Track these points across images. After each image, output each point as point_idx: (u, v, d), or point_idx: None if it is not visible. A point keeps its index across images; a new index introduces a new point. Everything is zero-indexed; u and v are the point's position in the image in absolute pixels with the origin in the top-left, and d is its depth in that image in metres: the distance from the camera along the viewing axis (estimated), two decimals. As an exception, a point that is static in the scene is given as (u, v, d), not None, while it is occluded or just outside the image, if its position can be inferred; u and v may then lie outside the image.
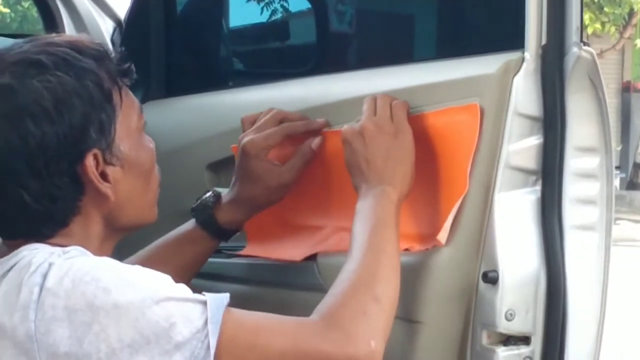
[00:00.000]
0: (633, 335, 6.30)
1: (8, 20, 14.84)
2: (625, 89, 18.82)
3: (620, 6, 14.78)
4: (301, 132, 1.76)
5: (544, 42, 1.53)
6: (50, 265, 1.28)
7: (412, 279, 1.55)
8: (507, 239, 1.53)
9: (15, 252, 1.33)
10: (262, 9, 2.40)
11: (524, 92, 1.53)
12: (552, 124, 1.54)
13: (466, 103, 1.56)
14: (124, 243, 1.55)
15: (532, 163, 1.55)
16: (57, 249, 1.32)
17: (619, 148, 16.62)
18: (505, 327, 1.52)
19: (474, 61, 1.62)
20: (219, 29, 2.48)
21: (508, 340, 1.54)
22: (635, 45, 16.07)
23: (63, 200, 1.35)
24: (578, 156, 1.55)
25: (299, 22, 2.41)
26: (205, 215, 1.74)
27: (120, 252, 1.49)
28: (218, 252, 1.88)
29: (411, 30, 2.13)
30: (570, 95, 1.54)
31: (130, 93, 1.44)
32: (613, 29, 15.14)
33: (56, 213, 1.36)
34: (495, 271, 1.52)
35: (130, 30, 2.37)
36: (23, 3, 14.71)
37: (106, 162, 1.38)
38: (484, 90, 1.55)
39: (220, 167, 2.00)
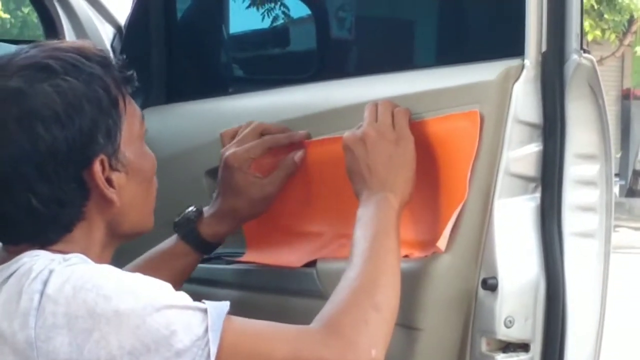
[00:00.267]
0: (632, 343, 6.30)
1: (8, 25, 14.86)
2: (625, 96, 18.84)
3: (620, 13, 14.79)
4: (283, 144, 1.77)
5: (544, 49, 1.53)
6: (50, 272, 1.28)
7: (411, 285, 1.55)
8: (506, 246, 1.53)
9: (16, 258, 1.33)
10: (262, 15, 2.40)
11: (524, 99, 1.53)
12: (552, 131, 1.54)
13: (466, 110, 1.56)
14: (122, 251, 1.55)
15: (531, 170, 1.55)
16: (58, 256, 1.32)
17: (619, 155, 16.63)
18: (504, 334, 1.52)
19: (474, 68, 1.62)
20: (219, 35, 2.48)
21: (507, 347, 1.54)
22: (635, 52, 16.09)
23: (70, 205, 1.36)
24: (578, 163, 1.55)
25: (300, 28, 2.41)
26: (188, 229, 1.74)
27: (118, 260, 1.50)
28: (218, 259, 1.88)
29: (412, 37, 2.13)
30: (570, 102, 1.54)
31: (132, 101, 1.45)
32: (613, 36, 15.15)
33: (62, 218, 1.36)
34: (495, 278, 1.52)
35: (130, 36, 2.37)
36: (23, 9, 14.73)
37: (112, 168, 1.38)
38: (484, 97, 1.55)
39: (220, 174, 2.00)
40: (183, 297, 1.30)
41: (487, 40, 1.83)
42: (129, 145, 1.41)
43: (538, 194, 1.55)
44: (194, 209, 1.76)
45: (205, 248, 1.76)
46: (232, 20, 2.46)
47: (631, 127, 18.31)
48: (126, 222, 1.43)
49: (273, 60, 2.46)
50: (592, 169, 1.55)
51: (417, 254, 1.61)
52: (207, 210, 1.76)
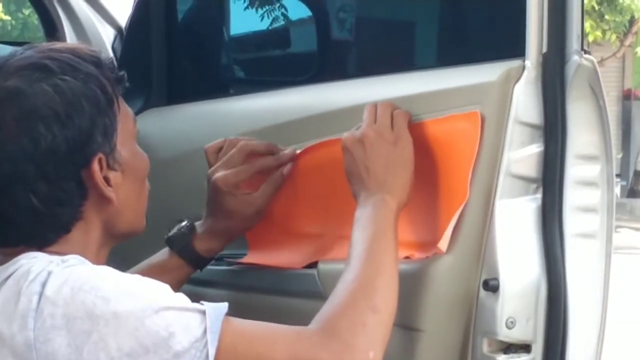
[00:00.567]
0: (634, 343, 6.29)
1: (9, 27, 14.86)
2: (626, 96, 18.83)
3: (621, 14, 14.80)
4: (272, 167, 1.77)
5: (544, 50, 1.53)
6: (49, 273, 1.28)
7: (412, 286, 1.55)
8: (507, 247, 1.53)
9: (14, 260, 1.33)
10: (263, 17, 2.40)
11: (525, 100, 1.53)
12: (552, 132, 1.54)
13: (467, 111, 1.56)
14: (126, 254, 1.55)
15: (532, 171, 1.55)
16: (56, 258, 1.32)
17: (620, 156, 16.63)
18: (505, 335, 1.52)
19: (474, 69, 1.62)
20: (220, 37, 2.48)
21: (509, 348, 1.54)
22: (636, 53, 16.09)
23: (69, 204, 1.36)
24: (579, 164, 1.55)
25: (300, 29, 2.41)
26: (184, 244, 1.75)
27: (122, 264, 1.50)
28: (220, 260, 1.88)
29: (412, 38, 2.13)
30: (571, 103, 1.54)
31: (124, 101, 1.46)
32: (614, 36, 15.15)
33: (61, 218, 1.37)
34: (496, 279, 1.51)
35: (131, 37, 2.37)
36: (24, 10, 14.73)
37: (109, 167, 1.39)
38: (485, 98, 1.55)
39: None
40: (181, 299, 1.31)
41: (487, 42, 1.83)
42: (124, 145, 1.42)
43: (539, 195, 1.55)
44: (187, 224, 1.76)
45: (199, 262, 1.77)
46: (232, 22, 2.46)
47: (632, 128, 18.30)
48: (122, 222, 1.44)
49: (274, 62, 2.46)
50: (593, 170, 1.55)
51: (418, 255, 1.61)
52: (199, 226, 1.77)
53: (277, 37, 2.45)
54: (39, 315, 1.25)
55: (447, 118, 1.59)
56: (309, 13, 2.32)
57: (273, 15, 2.40)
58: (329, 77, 1.99)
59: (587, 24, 13.57)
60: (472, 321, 1.55)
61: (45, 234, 1.37)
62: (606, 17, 14.81)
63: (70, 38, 2.43)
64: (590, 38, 14.43)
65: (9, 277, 1.31)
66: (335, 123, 1.75)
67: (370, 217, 1.51)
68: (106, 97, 1.38)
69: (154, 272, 1.69)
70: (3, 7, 14.35)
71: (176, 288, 1.70)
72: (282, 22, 2.45)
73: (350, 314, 1.36)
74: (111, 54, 2.39)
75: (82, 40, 2.42)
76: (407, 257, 1.60)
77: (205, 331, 1.27)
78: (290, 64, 2.37)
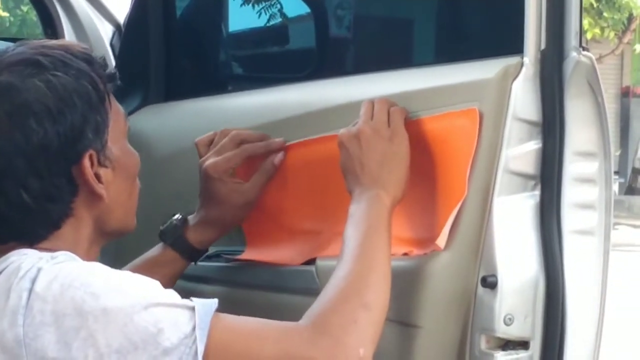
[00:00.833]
0: (632, 341, 6.30)
1: (7, 24, 14.85)
2: (625, 94, 18.86)
3: (619, 11, 14.82)
4: (261, 152, 1.78)
5: (543, 47, 1.53)
6: (38, 270, 1.28)
7: (410, 283, 1.55)
8: (506, 244, 1.53)
9: (4, 257, 1.33)
10: (261, 13, 2.40)
11: (523, 97, 1.53)
12: (551, 128, 1.54)
13: (465, 108, 1.56)
14: (125, 249, 1.55)
15: (531, 168, 1.55)
16: (46, 254, 1.32)
17: (618, 153, 16.66)
18: (504, 331, 1.52)
19: (473, 66, 1.62)
20: (218, 33, 2.48)
21: (507, 345, 1.54)
22: (635, 50, 16.11)
23: (60, 201, 1.36)
24: (577, 161, 1.55)
25: (298, 26, 2.41)
26: (176, 237, 1.75)
27: (117, 262, 1.50)
28: (217, 257, 1.88)
29: (410, 34, 2.13)
30: (569, 100, 1.54)
31: (114, 98, 1.46)
32: (612, 34, 15.18)
33: (52, 214, 1.37)
34: (494, 276, 1.51)
35: (129, 34, 2.37)
36: (22, 7, 14.72)
37: (100, 164, 1.39)
38: (483, 95, 1.55)
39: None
40: (171, 295, 1.30)
41: (486, 38, 1.83)
42: (115, 142, 1.42)
43: (537, 192, 1.55)
44: (180, 217, 1.76)
45: (193, 254, 1.77)
46: (231, 19, 2.46)
47: (630, 125, 18.32)
48: (112, 219, 1.44)
49: (272, 58, 2.46)
50: (591, 167, 1.55)
51: (416, 251, 1.61)
52: (191, 218, 1.77)
53: (275, 33, 2.45)
54: (29, 312, 1.25)
55: (445, 115, 1.59)
56: (307, 10, 2.32)
57: (271, 12, 2.40)
58: (327, 74, 1.99)
59: (585, 21, 13.58)
60: (470, 318, 1.55)
61: (35, 230, 1.37)
62: (605, 14, 14.83)
63: (69, 35, 2.43)
64: (589, 35, 14.46)
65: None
66: (334, 120, 1.74)
67: (364, 213, 1.51)
68: (97, 93, 1.38)
69: (148, 267, 1.70)
70: (1, 3, 14.35)
71: (171, 282, 1.71)
72: (280, 19, 2.45)
73: (341, 311, 1.36)
74: (109, 51, 2.40)
75: (80, 37, 2.42)
76: (405, 254, 1.60)
77: (194, 328, 1.26)
78: (288, 61, 2.37)
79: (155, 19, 2.28)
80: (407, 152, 1.56)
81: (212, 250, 1.88)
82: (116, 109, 1.45)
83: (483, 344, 1.54)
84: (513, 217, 1.54)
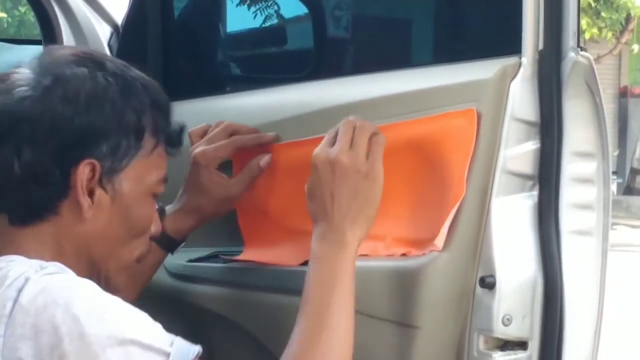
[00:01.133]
0: (630, 341, 6.30)
1: (5, 25, 14.85)
2: (622, 94, 18.86)
3: (617, 11, 14.83)
4: (252, 145, 1.78)
5: (541, 47, 1.53)
6: (26, 280, 1.27)
7: (409, 283, 1.55)
8: (504, 244, 1.53)
9: None
10: (259, 14, 2.40)
11: (521, 97, 1.54)
12: (549, 129, 1.54)
13: (463, 108, 1.56)
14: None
15: (529, 168, 1.55)
16: (35, 263, 1.31)
17: (616, 153, 16.66)
18: (502, 332, 1.52)
19: (471, 66, 1.62)
20: (216, 34, 2.48)
21: (505, 345, 1.54)
22: (632, 50, 16.12)
23: (43, 187, 1.34)
24: (575, 161, 1.55)
25: (297, 27, 2.41)
26: None
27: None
28: (215, 257, 1.88)
29: (408, 35, 2.13)
30: (567, 100, 1.54)
31: (166, 161, 1.46)
32: (610, 34, 15.19)
33: (34, 196, 1.34)
34: (493, 276, 1.52)
35: (127, 35, 2.37)
36: (20, 8, 14.73)
37: (100, 183, 1.36)
38: (481, 96, 1.55)
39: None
40: (153, 334, 1.27)
41: (484, 39, 1.83)
42: (131, 183, 1.40)
43: (535, 192, 1.55)
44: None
45: (169, 244, 1.75)
46: (229, 19, 2.46)
47: (628, 125, 18.33)
48: (95, 251, 1.40)
49: (271, 59, 2.46)
50: (589, 167, 1.56)
51: (414, 252, 1.61)
52: (171, 206, 1.76)
53: (273, 34, 2.45)
54: (11, 322, 1.24)
55: (443, 115, 1.59)
56: (306, 10, 2.32)
57: (269, 13, 2.40)
58: (325, 75, 1.99)
59: (583, 22, 13.58)
60: (468, 318, 1.55)
61: (15, 207, 1.35)
62: (602, 14, 14.84)
63: (67, 35, 2.43)
64: (587, 35, 14.46)
65: None
66: (332, 120, 1.74)
67: (329, 261, 1.46)
68: (136, 123, 1.38)
69: None
70: (0, 4, 14.35)
71: (150, 273, 1.71)
72: (279, 20, 2.45)
73: None
74: (107, 52, 2.39)
75: (78, 38, 2.42)
76: (403, 254, 1.60)
77: None
78: (287, 62, 2.37)
79: (153, 20, 2.28)
80: (380, 190, 1.49)
81: (210, 251, 1.88)
82: (157, 164, 1.44)
83: (481, 344, 1.54)
84: (511, 217, 1.54)
